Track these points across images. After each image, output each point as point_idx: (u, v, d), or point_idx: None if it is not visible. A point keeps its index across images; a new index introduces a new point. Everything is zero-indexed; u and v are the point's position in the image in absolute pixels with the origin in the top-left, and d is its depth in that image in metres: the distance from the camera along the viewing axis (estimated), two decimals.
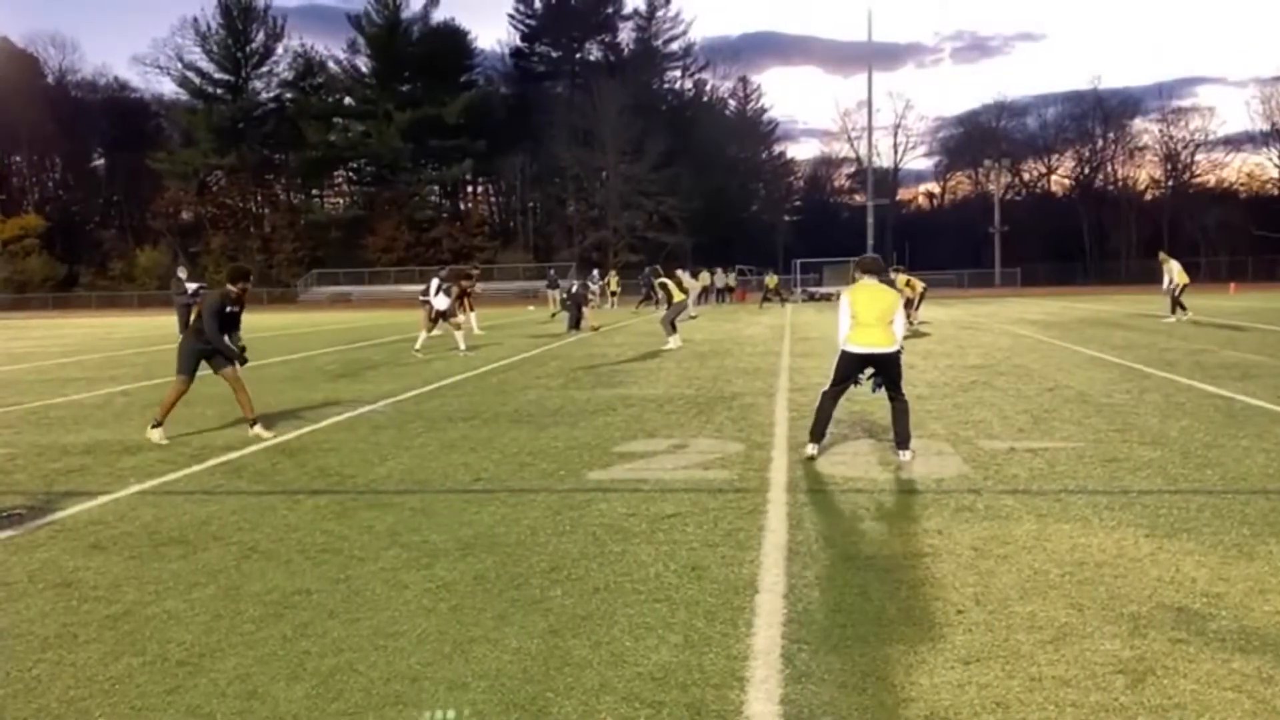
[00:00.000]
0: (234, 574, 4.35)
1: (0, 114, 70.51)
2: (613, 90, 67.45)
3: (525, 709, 2.93)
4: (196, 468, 6.82)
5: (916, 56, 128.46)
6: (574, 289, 24.20)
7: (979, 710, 2.87)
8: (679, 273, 24.31)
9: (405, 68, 72.63)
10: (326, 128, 75.13)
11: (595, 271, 42.47)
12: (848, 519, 5.10)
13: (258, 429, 8.04)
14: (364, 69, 75.60)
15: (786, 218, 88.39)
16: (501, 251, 70.49)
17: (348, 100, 76.94)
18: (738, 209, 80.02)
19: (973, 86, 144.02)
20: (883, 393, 6.59)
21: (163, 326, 28.67)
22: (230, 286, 8.08)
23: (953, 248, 71.07)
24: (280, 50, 76.57)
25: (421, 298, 18.08)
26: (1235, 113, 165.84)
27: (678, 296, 17.38)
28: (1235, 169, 76.98)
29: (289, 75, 76.79)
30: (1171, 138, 76.22)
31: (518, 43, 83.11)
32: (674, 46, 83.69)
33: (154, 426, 7.97)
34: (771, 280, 40.88)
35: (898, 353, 6.47)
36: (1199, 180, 76.79)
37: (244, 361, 8.19)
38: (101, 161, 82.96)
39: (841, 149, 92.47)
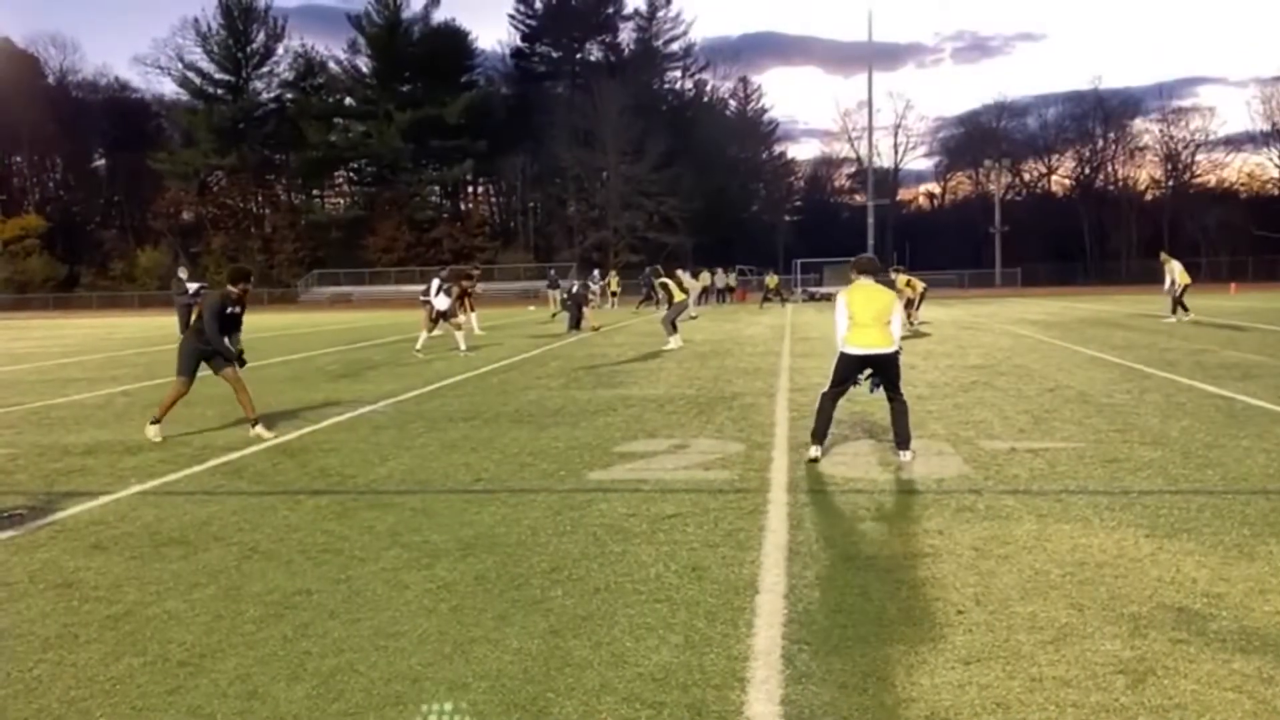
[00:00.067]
0: (235, 574, 4.35)
1: (1, 114, 70.55)
2: (613, 90, 67.46)
3: (526, 709, 2.93)
4: (197, 468, 6.82)
5: (917, 56, 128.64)
6: (574, 289, 24.21)
7: (980, 711, 2.87)
8: (679, 273, 24.29)
9: (406, 68, 72.65)
10: (327, 128, 75.15)
11: (596, 272, 42.48)
12: (848, 519, 5.10)
13: (258, 429, 8.04)
14: (364, 69, 75.68)
15: (787, 218, 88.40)
16: (502, 252, 70.50)
17: (348, 100, 76.96)
18: (738, 209, 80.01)
19: (973, 86, 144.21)
20: (881, 393, 6.58)
21: (164, 327, 28.68)
22: (231, 287, 8.09)
23: (953, 248, 71.05)
24: (281, 50, 76.76)
25: (422, 298, 18.09)
26: (1236, 113, 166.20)
27: (678, 296, 17.38)
28: (1236, 169, 77.11)
29: (289, 75, 76.93)
30: (1172, 138, 76.30)
31: (518, 43, 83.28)
32: (674, 47, 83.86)
33: (152, 423, 7.99)
34: (772, 280, 40.89)
35: (896, 353, 6.47)
36: (1199, 180, 76.81)
37: (242, 363, 8.19)
38: (102, 162, 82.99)
39: (842, 149, 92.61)
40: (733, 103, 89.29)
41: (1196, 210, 70.37)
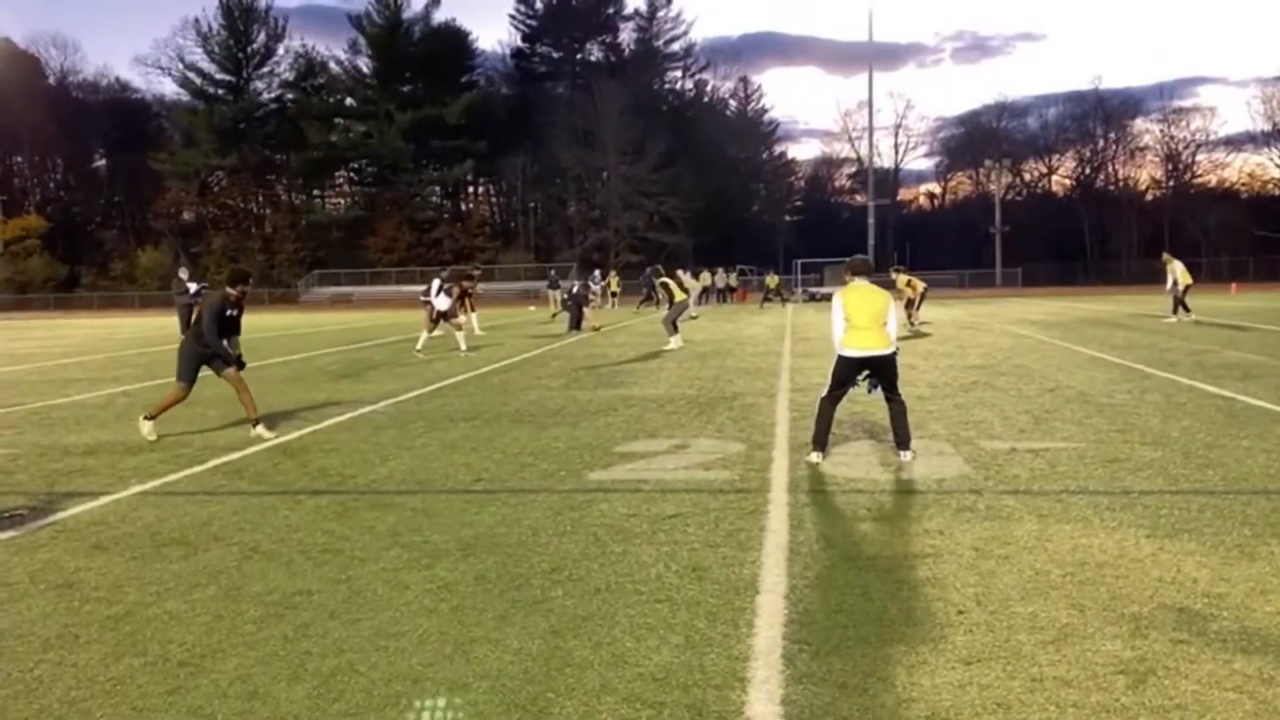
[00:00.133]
0: (235, 574, 4.35)
1: (2, 115, 70.60)
2: (613, 91, 67.47)
3: (526, 709, 2.93)
4: (198, 468, 6.83)
5: (917, 56, 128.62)
6: (575, 289, 24.21)
7: (980, 711, 2.87)
8: (680, 273, 24.30)
9: (406, 68, 72.67)
10: (328, 128, 75.17)
11: (597, 272, 42.48)
12: (849, 519, 5.10)
13: (259, 429, 8.04)
14: (365, 69, 75.69)
15: (787, 218, 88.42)
16: (502, 252, 70.52)
17: (349, 101, 76.98)
18: (738, 209, 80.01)
19: (973, 87, 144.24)
20: (879, 393, 6.57)
21: (164, 327, 28.69)
22: (230, 289, 8.08)
23: (953, 248, 71.06)
24: (281, 51, 76.80)
25: (423, 298, 18.09)
26: (1236, 113, 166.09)
27: (679, 296, 17.39)
28: (1236, 169, 77.08)
29: (290, 76, 76.97)
30: (1172, 138, 76.31)
31: (519, 43, 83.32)
32: (675, 47, 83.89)
33: (145, 418, 7.99)
34: (772, 280, 40.90)
35: (894, 354, 6.45)
36: (1200, 180, 76.79)
37: (241, 366, 8.18)
38: (103, 162, 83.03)
39: (842, 149, 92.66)
40: (733, 103, 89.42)
41: (1197, 210, 70.36)
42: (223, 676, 3.23)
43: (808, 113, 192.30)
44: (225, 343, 8.05)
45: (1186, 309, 21.32)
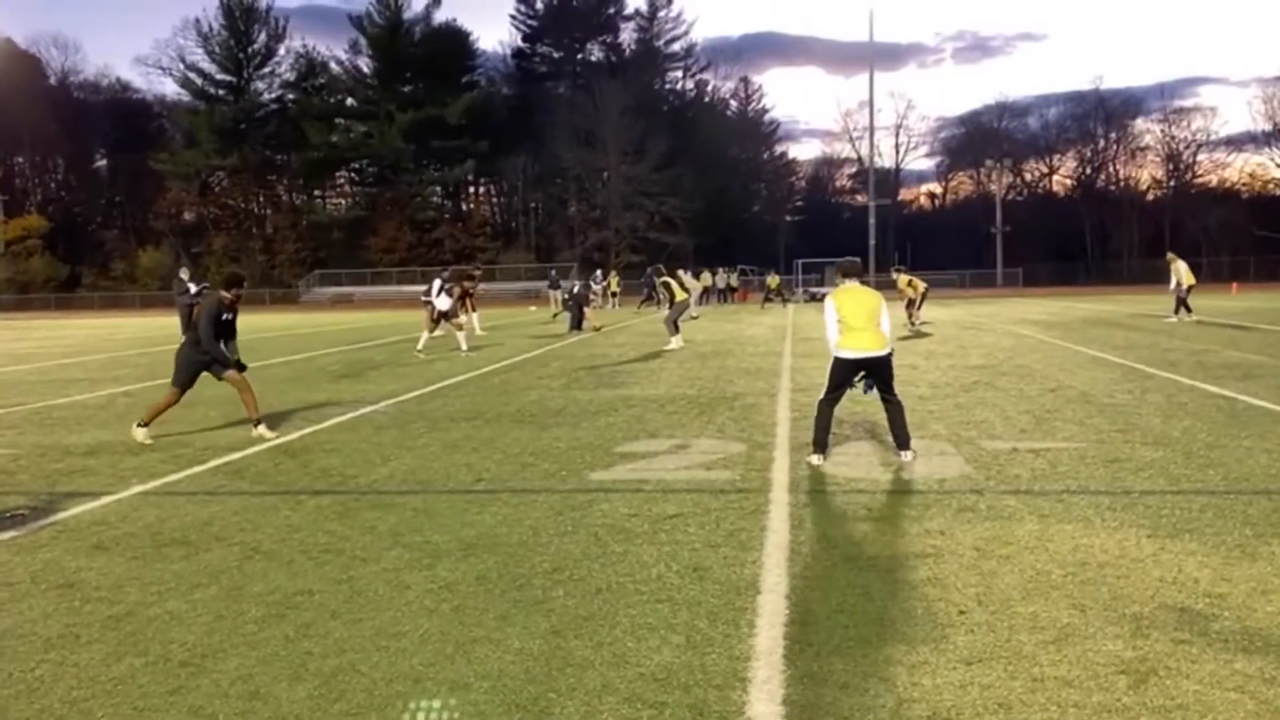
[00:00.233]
0: (236, 574, 4.35)
1: (3, 115, 70.65)
2: (614, 91, 67.47)
3: (527, 709, 2.93)
4: (199, 468, 6.83)
5: (918, 56, 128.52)
6: (576, 289, 24.21)
7: (981, 711, 2.87)
8: (680, 273, 24.29)
9: (407, 68, 72.69)
10: (328, 128, 75.19)
11: (598, 272, 42.46)
12: (850, 519, 5.10)
13: (261, 429, 8.04)
14: (366, 70, 75.72)
15: (788, 218, 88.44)
16: (503, 252, 70.53)
17: (350, 101, 77.00)
18: (739, 209, 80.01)
19: (974, 87, 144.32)
20: (876, 394, 6.55)
21: (165, 327, 28.70)
22: (224, 293, 8.08)
23: (954, 248, 71.06)
24: (282, 51, 76.86)
25: (424, 298, 18.09)
26: (1237, 113, 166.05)
27: (680, 296, 17.40)
28: (1237, 169, 77.06)
29: (291, 76, 77.01)
30: (1173, 138, 76.29)
31: (519, 43, 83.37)
32: (675, 47, 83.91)
33: (139, 426, 7.99)
34: (773, 280, 40.89)
35: (890, 354, 6.44)
36: (1201, 180, 76.77)
37: (242, 369, 8.18)
38: (104, 162, 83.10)
39: (843, 149, 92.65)
40: (734, 103, 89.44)
41: (1198, 210, 70.33)
42: (224, 676, 3.24)
43: (808, 113, 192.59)
44: (223, 346, 8.05)
45: (1188, 309, 21.32)
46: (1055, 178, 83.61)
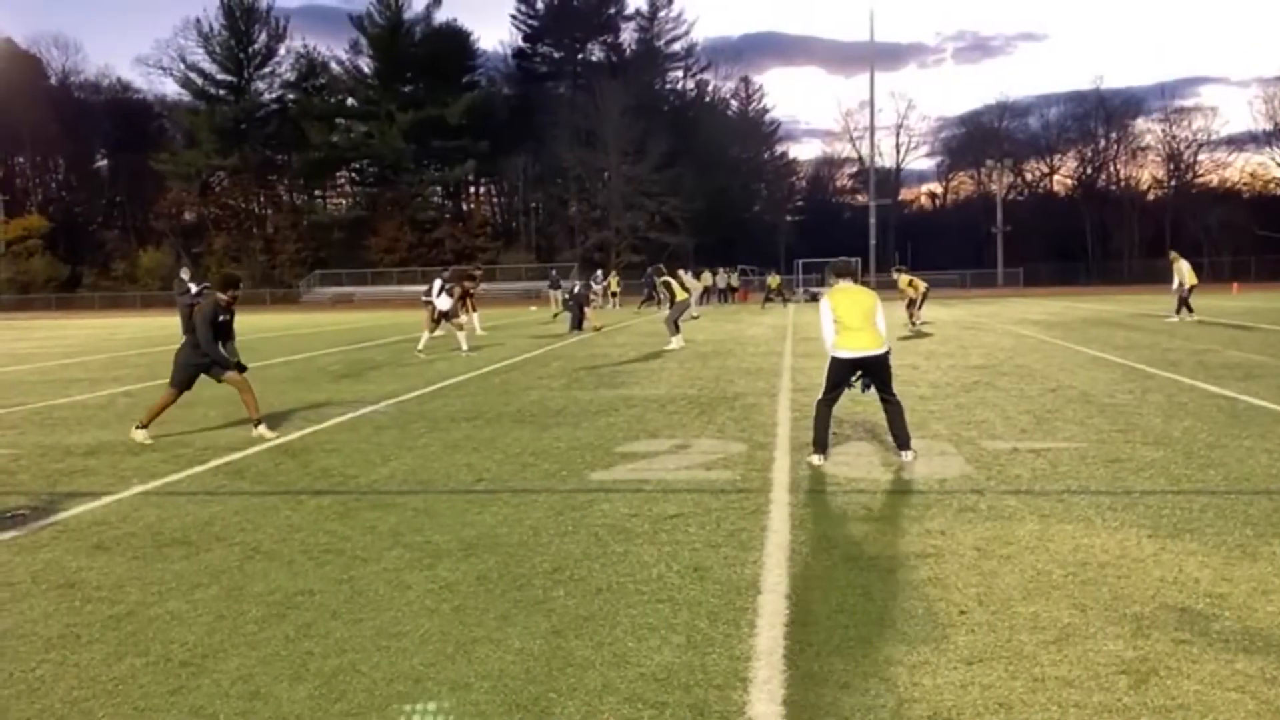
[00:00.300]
0: (237, 574, 4.35)
1: (3, 115, 70.67)
2: (615, 91, 67.47)
3: (528, 709, 2.93)
4: (199, 468, 6.83)
5: (918, 56, 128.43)
6: (576, 289, 24.21)
7: (982, 711, 2.87)
8: (681, 273, 24.30)
9: (407, 68, 72.70)
10: (329, 128, 75.21)
11: (599, 272, 42.46)
12: (850, 519, 5.10)
13: (261, 429, 8.05)
14: (366, 70, 75.74)
15: (789, 218, 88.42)
16: (504, 252, 70.54)
17: (350, 101, 77.02)
18: (740, 209, 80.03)
19: (975, 86, 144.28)
20: (874, 393, 6.54)
21: (166, 327, 28.71)
22: (220, 295, 8.08)
23: (955, 248, 71.02)
24: (283, 51, 76.91)
25: (424, 298, 18.10)
26: (1238, 112, 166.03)
27: (680, 296, 17.40)
28: (1238, 169, 77.01)
29: (291, 76, 77.04)
30: (1174, 138, 76.22)
31: (520, 43, 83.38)
32: (676, 47, 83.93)
33: (138, 428, 7.98)
34: (774, 280, 40.90)
35: (887, 353, 6.43)
36: (1202, 180, 76.72)
37: (243, 370, 8.18)
38: (104, 162, 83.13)
39: (844, 149, 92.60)
40: (734, 103, 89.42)
41: (1199, 210, 70.28)
42: (225, 676, 3.24)
43: (809, 113, 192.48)
44: (222, 348, 8.05)
45: (1189, 309, 21.32)
46: (1056, 177, 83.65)
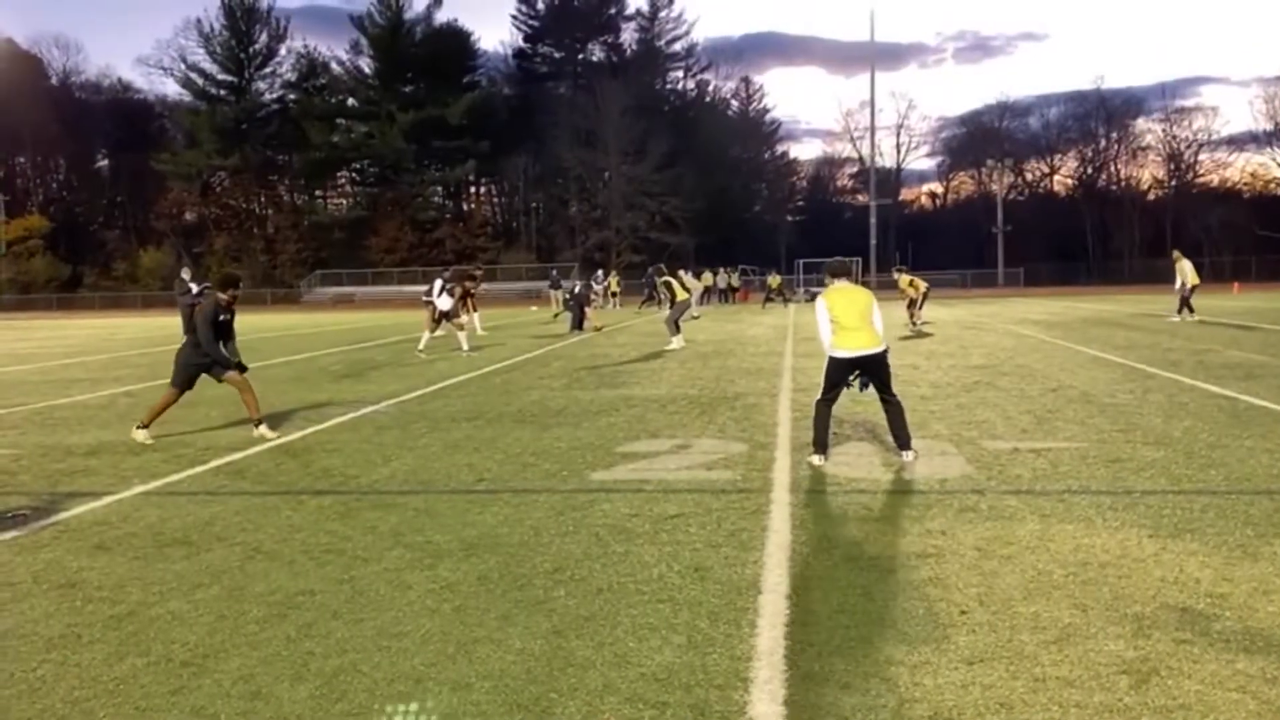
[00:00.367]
0: (238, 574, 4.35)
1: (4, 115, 70.67)
2: (615, 91, 67.46)
3: (529, 709, 2.93)
4: (200, 468, 6.83)
5: (919, 56, 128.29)
6: (577, 289, 24.22)
7: (983, 711, 2.87)
8: (681, 273, 24.30)
9: (408, 69, 72.67)
10: (329, 129, 75.23)
11: (600, 272, 42.46)
12: (851, 519, 5.10)
13: (262, 429, 8.05)
14: (367, 70, 75.71)
15: (789, 218, 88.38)
16: (504, 252, 70.54)
17: (351, 101, 77.02)
18: (740, 209, 80.00)
19: (975, 86, 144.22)
20: (872, 392, 6.54)
21: (166, 327, 28.71)
22: (221, 294, 8.08)
23: (955, 247, 70.98)
24: (283, 51, 76.91)
25: (425, 298, 18.10)
26: (1239, 112, 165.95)
27: (681, 296, 17.40)
28: (1239, 169, 76.97)
29: (292, 76, 77.04)
30: (1175, 137, 76.20)
31: (520, 43, 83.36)
32: (676, 47, 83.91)
33: (139, 428, 7.98)
34: (774, 280, 40.89)
35: (885, 352, 6.43)
36: (1202, 180, 76.68)
37: (243, 369, 8.18)
38: (105, 162, 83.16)
39: (844, 149, 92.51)
40: (735, 103, 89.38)
41: (1199, 210, 70.26)
42: (225, 676, 3.24)
43: (809, 113, 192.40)
44: (223, 347, 8.05)
45: (1190, 309, 21.31)
46: (1056, 177, 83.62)
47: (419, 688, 3.10)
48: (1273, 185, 74.86)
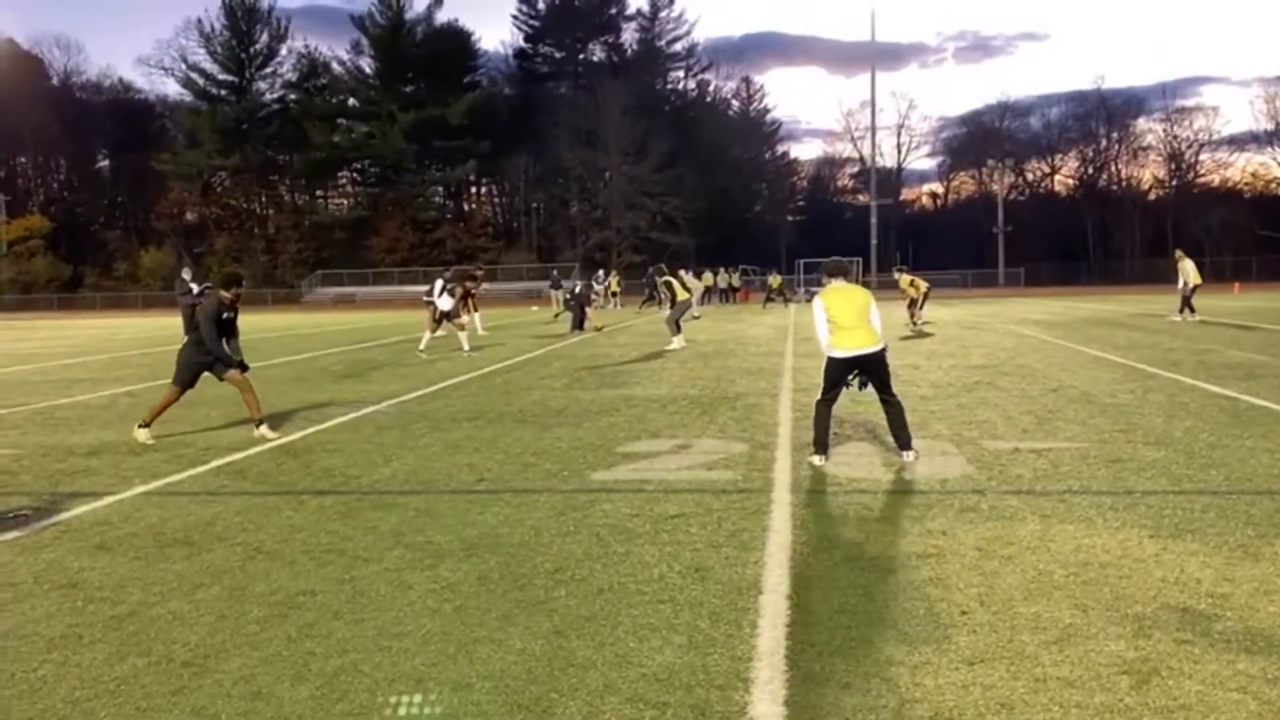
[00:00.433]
0: (239, 575, 4.36)
1: (5, 115, 70.71)
2: (616, 91, 67.45)
3: (529, 710, 2.94)
4: (201, 468, 6.84)
5: (919, 56, 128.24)
6: (578, 289, 24.22)
7: (984, 711, 2.87)
8: (682, 273, 24.31)
9: (409, 69, 72.68)
10: (330, 128, 75.24)
11: (600, 272, 42.45)
12: (851, 520, 5.10)
13: (263, 429, 8.05)
14: (368, 70, 75.72)
15: (790, 218, 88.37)
16: (505, 252, 70.54)
17: (351, 101, 77.03)
18: (741, 209, 79.99)
19: (976, 86, 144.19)
20: (872, 392, 6.53)
21: (167, 327, 28.72)
22: (223, 293, 8.09)
23: (956, 247, 70.95)
24: (284, 51, 76.90)
25: (426, 298, 18.11)
26: (1239, 112, 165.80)
27: (681, 296, 17.40)
28: (1239, 168, 76.93)
29: (293, 76, 77.03)
30: (1175, 137, 76.16)
31: (521, 43, 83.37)
32: (677, 47, 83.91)
33: (141, 427, 7.99)
34: (775, 280, 40.89)
35: (883, 351, 6.42)
36: (1203, 180, 76.66)
37: (244, 369, 8.19)
38: (106, 163, 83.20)
39: (845, 149, 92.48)
40: (735, 103, 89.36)
41: (1200, 210, 70.23)
42: (226, 676, 3.24)
43: (810, 113, 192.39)
44: (225, 346, 8.06)
45: (1191, 309, 21.31)
46: (1057, 177, 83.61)
47: (420, 688, 3.11)
48: (1273, 185, 74.88)
